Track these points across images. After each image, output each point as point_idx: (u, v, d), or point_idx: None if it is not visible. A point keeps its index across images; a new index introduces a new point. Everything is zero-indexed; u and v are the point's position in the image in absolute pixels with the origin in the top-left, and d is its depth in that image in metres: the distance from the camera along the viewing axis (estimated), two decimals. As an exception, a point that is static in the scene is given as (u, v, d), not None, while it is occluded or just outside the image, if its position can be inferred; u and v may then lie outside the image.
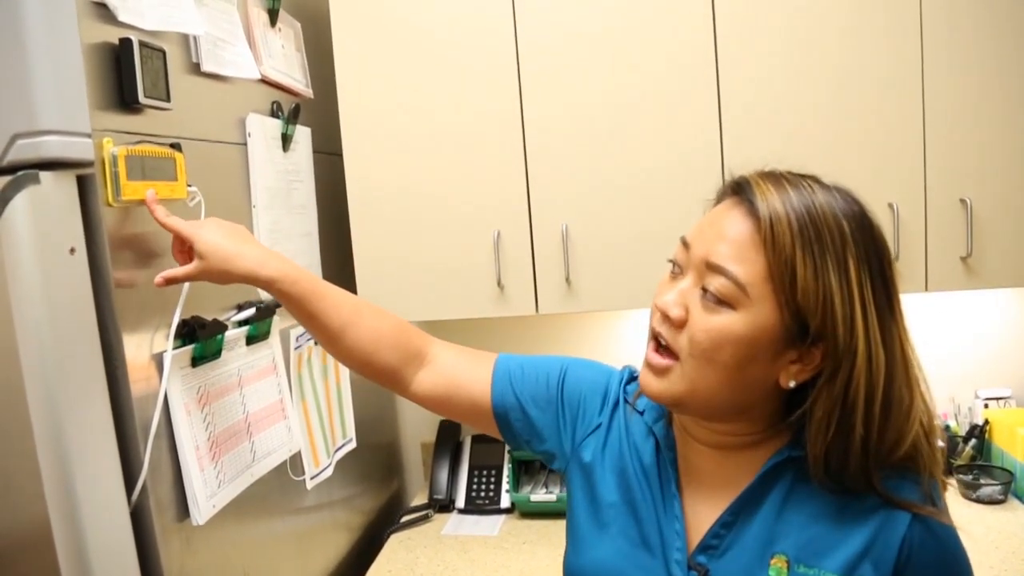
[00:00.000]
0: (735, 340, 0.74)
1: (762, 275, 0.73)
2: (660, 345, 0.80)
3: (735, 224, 0.75)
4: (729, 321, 0.74)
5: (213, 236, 1.01)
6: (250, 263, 1.00)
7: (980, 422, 1.85)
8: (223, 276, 1.01)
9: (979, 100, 1.53)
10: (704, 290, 0.76)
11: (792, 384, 0.76)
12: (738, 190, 0.78)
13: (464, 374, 1.01)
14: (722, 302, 0.74)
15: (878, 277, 0.73)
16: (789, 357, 0.76)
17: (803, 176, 0.78)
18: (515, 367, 1.00)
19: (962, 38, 1.52)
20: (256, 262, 1.00)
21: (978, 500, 1.70)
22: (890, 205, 1.55)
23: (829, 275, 0.71)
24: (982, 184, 1.54)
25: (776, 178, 0.77)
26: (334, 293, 1.02)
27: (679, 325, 0.77)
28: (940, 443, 1.87)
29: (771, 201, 0.73)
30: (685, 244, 0.80)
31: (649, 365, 0.81)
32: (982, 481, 1.73)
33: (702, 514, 0.84)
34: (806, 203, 0.73)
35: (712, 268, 0.75)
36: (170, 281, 1.02)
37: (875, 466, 0.76)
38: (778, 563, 0.78)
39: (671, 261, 0.82)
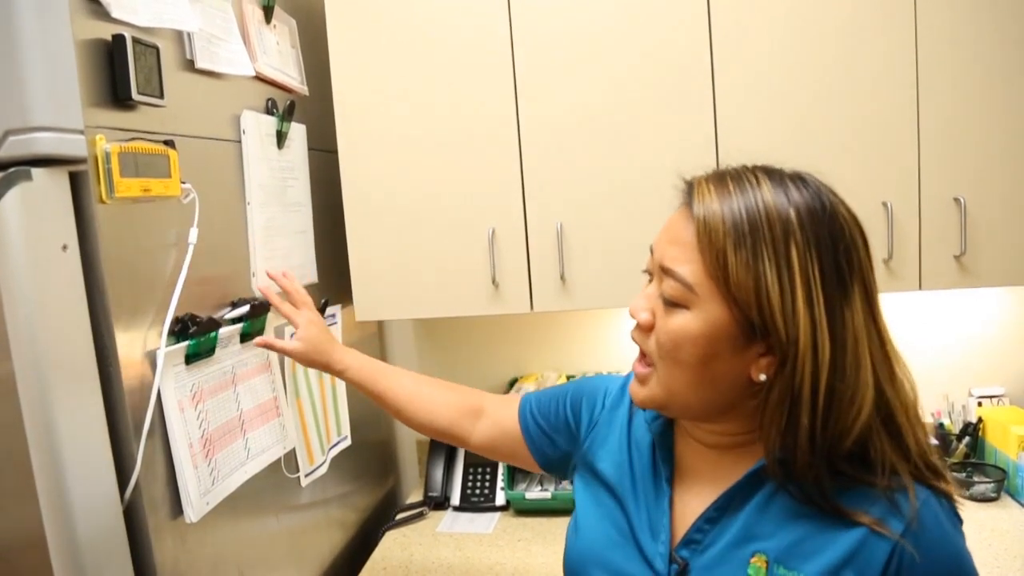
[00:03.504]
0: (692, 338, 0.76)
1: (704, 273, 0.75)
2: (642, 354, 0.84)
3: (682, 228, 0.78)
4: (685, 321, 0.76)
5: (313, 331, 1.26)
6: (334, 354, 1.25)
7: (973, 420, 1.86)
8: (308, 361, 1.26)
9: (974, 98, 1.53)
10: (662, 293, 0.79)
11: (762, 377, 0.76)
12: (688, 193, 0.80)
13: (503, 419, 1.12)
14: (677, 303, 0.77)
15: (830, 265, 0.73)
16: (756, 351, 0.76)
17: (754, 169, 0.78)
18: (534, 399, 1.11)
19: (957, 36, 1.52)
20: (337, 356, 1.25)
21: (971, 498, 1.71)
22: (884, 204, 1.55)
23: (763, 266, 0.72)
24: (976, 182, 1.55)
25: (720, 177, 0.78)
26: (395, 373, 1.23)
27: (647, 329, 0.81)
28: (934, 441, 1.86)
29: (707, 202, 0.75)
30: (651, 251, 0.84)
31: (635, 374, 0.85)
32: (975, 479, 1.74)
33: (690, 510, 0.85)
34: (745, 199, 0.74)
35: (665, 271, 0.79)
36: (267, 346, 1.26)
37: (823, 463, 0.74)
38: (757, 562, 0.78)
39: (645, 271, 0.85)
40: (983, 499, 1.71)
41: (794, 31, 1.56)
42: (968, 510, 0.79)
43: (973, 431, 1.84)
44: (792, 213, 0.73)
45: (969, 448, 1.83)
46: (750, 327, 0.74)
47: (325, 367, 1.25)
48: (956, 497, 0.78)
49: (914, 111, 1.54)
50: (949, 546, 0.75)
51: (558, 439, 1.05)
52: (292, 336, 1.29)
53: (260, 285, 1.25)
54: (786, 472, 0.77)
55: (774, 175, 0.77)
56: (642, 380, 0.83)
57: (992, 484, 1.71)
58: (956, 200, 1.55)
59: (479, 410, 1.16)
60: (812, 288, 0.72)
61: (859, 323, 0.74)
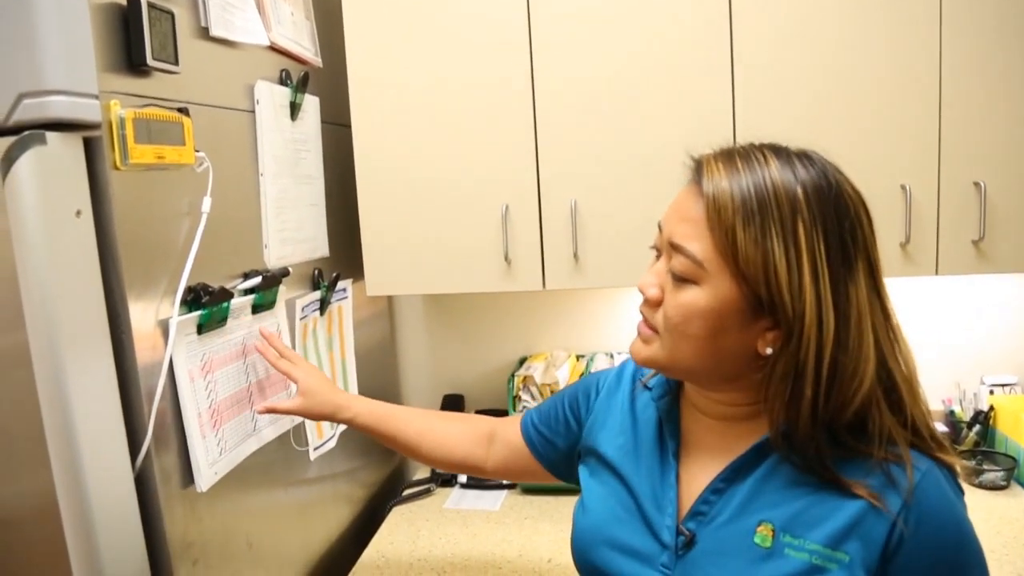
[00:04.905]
0: (701, 314, 0.78)
1: (714, 250, 0.76)
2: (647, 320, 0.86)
3: (691, 205, 0.79)
4: (694, 297, 0.78)
5: (313, 381, 1.24)
6: (339, 403, 1.23)
7: (985, 408, 1.85)
8: (314, 415, 1.25)
9: (997, 81, 1.51)
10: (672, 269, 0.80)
11: (769, 350, 0.78)
12: (696, 171, 0.81)
13: (510, 437, 1.16)
14: (686, 279, 0.78)
15: (835, 242, 0.75)
16: (763, 325, 0.77)
17: (762, 147, 0.80)
18: (535, 411, 1.15)
19: (982, 18, 1.49)
20: (343, 402, 1.24)
21: (980, 486, 1.70)
22: (902, 186, 1.53)
23: (772, 243, 0.73)
24: (997, 167, 1.52)
25: (729, 155, 0.79)
26: (403, 413, 1.24)
27: (655, 304, 0.83)
28: (944, 428, 1.85)
29: (717, 179, 0.77)
30: (660, 228, 0.85)
31: (639, 334, 0.86)
32: (985, 467, 1.73)
33: (696, 483, 0.87)
34: (754, 176, 0.76)
35: (675, 248, 0.80)
36: (271, 411, 1.25)
37: (824, 434, 0.77)
38: (764, 531, 0.80)
39: (653, 247, 0.87)
40: (993, 487, 1.70)
41: (815, 10, 1.53)
42: (978, 498, 0.80)
43: (984, 419, 1.83)
44: (799, 191, 0.75)
45: (979, 436, 1.82)
46: (757, 302, 0.76)
47: (331, 416, 1.23)
48: (958, 469, 0.81)
49: (936, 93, 1.52)
50: (951, 515, 0.77)
51: (558, 441, 1.09)
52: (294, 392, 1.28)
53: (258, 345, 1.27)
54: (789, 443, 0.79)
55: (781, 153, 0.79)
56: (646, 340, 0.85)
57: (1002, 472, 1.70)
58: (976, 184, 1.53)
59: (490, 435, 1.19)
60: (818, 264, 0.74)
61: (863, 298, 0.76)
